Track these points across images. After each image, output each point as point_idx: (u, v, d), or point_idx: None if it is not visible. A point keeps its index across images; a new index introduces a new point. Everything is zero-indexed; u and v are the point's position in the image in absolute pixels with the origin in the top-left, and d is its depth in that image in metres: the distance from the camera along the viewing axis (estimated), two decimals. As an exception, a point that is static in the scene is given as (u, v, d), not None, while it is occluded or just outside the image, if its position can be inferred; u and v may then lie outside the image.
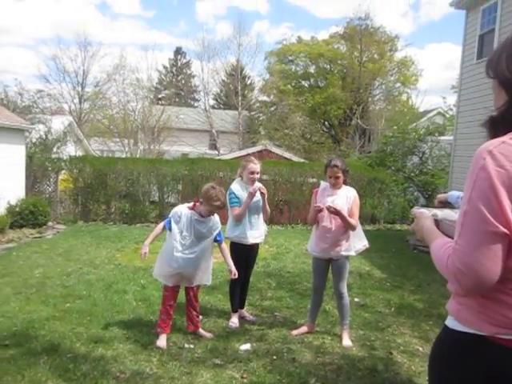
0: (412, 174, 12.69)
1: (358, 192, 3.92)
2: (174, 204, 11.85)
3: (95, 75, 34.20)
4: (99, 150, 24.36)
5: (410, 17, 50.51)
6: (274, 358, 3.43)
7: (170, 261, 3.52)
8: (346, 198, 3.76)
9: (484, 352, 1.24)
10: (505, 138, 1.20)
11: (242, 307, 4.31)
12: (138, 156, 20.80)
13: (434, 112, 19.99)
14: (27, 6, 50.90)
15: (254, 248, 4.14)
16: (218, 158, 15.10)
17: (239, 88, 27.53)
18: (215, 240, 3.68)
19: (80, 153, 15.42)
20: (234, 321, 4.07)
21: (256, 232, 4.07)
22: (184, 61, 44.59)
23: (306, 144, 26.30)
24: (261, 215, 4.17)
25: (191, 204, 3.60)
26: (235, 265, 4.06)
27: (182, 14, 62.44)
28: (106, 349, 3.43)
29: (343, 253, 3.80)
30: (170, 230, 3.54)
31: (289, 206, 11.44)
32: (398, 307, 4.83)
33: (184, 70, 44.50)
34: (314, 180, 12.24)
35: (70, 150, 14.93)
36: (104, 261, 6.63)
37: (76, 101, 28.28)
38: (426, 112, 21.37)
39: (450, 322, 1.36)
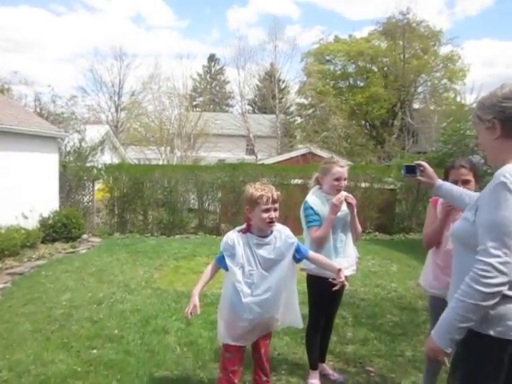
0: (475, 176, 11.23)
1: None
2: (213, 212, 10.96)
3: (131, 85, 34.19)
4: (136, 159, 24.05)
5: (445, 14, 47.49)
6: None
7: (241, 312, 2.37)
8: None
9: None
10: None
11: (323, 361, 3.16)
12: (174, 163, 20.17)
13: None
14: (65, 22, 52.03)
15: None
16: (260, 162, 14.11)
17: (276, 90, 26.45)
18: (296, 260, 2.47)
19: (116, 161, 14.85)
20: (315, 382, 2.94)
21: (344, 260, 2.84)
22: (218, 67, 44.55)
23: (348, 146, 24.94)
24: (349, 236, 2.97)
25: (244, 226, 2.48)
26: (315, 306, 2.95)
27: (215, 23, 62.63)
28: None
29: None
30: (226, 269, 2.44)
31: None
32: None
33: (218, 77, 44.54)
34: (367, 184, 11.04)
35: (106, 158, 14.38)
36: (141, 283, 5.74)
37: (113, 110, 28.31)
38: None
39: None
